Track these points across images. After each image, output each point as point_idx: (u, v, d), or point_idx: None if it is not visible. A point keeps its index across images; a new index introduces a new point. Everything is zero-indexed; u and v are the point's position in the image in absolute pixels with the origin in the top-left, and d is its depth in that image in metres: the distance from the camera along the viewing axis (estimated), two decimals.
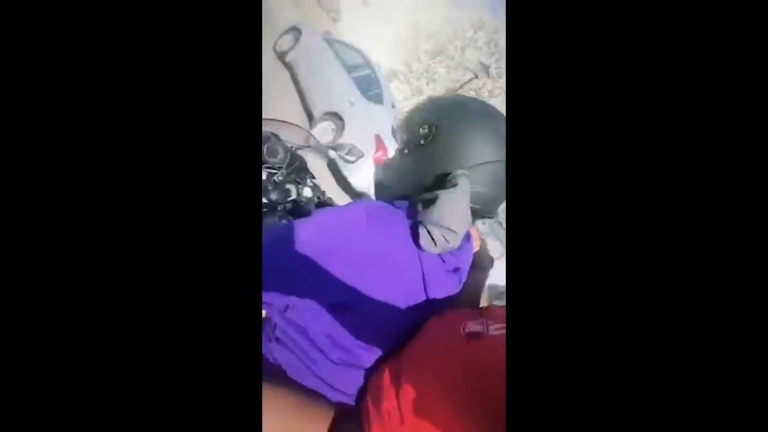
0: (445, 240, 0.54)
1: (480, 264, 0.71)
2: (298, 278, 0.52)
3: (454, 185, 0.57)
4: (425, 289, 0.57)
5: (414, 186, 0.63)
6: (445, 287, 0.60)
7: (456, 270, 0.61)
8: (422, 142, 0.62)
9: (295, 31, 4.92)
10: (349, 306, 0.54)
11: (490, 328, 0.53)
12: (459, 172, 0.59)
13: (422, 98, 0.75)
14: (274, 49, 4.62)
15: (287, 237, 0.54)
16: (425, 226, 0.54)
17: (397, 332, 0.58)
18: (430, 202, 0.56)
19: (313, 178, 1.06)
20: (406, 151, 0.65)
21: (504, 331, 0.51)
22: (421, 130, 0.62)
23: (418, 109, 0.69)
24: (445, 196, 0.56)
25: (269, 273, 0.51)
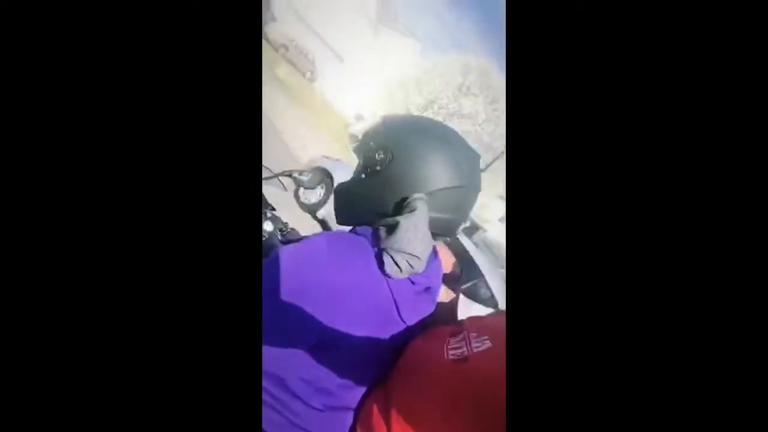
0: (410, 265, 0.54)
1: (451, 276, 0.73)
2: (267, 325, 0.48)
3: (413, 210, 0.56)
4: (399, 314, 0.56)
5: (374, 211, 0.61)
6: (418, 309, 0.59)
7: (427, 290, 0.60)
8: (378, 167, 0.60)
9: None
10: (325, 345, 0.53)
11: (473, 343, 0.52)
12: (416, 196, 0.58)
13: (377, 120, 0.68)
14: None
15: None
16: (388, 253, 0.54)
17: (379, 363, 0.58)
18: (391, 229, 0.56)
19: (273, 209, 1.02)
20: (363, 176, 0.63)
21: (488, 344, 0.51)
22: (377, 155, 0.60)
23: (373, 133, 0.66)
24: (404, 222, 0.55)
25: None
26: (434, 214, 0.58)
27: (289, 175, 0.95)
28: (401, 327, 0.57)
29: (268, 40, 11.65)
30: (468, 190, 0.61)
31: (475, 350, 0.50)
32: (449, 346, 0.52)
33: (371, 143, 0.62)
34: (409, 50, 15.43)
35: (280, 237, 0.95)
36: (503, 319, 0.60)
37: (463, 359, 0.49)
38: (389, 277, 0.53)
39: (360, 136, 0.69)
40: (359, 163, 0.64)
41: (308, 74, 13.01)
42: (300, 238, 1.01)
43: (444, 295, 0.70)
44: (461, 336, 0.53)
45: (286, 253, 0.53)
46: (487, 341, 0.51)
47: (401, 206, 0.57)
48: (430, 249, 0.57)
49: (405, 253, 0.53)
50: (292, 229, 1.01)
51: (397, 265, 0.52)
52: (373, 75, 13.24)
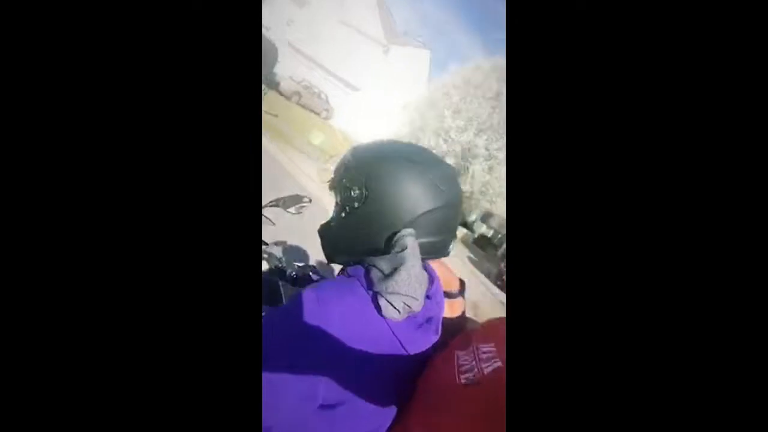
0: (407, 306, 0.52)
1: (450, 294, 0.69)
2: (273, 400, 0.48)
3: (403, 248, 0.55)
4: (405, 349, 0.54)
5: (362, 248, 0.60)
6: (422, 341, 0.57)
7: (429, 320, 0.58)
8: (356, 205, 0.59)
9: None
10: (340, 402, 0.51)
11: (483, 364, 0.51)
12: (404, 232, 0.56)
13: (345, 154, 0.66)
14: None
15: None
16: (384, 297, 0.52)
17: (395, 402, 0.56)
18: (384, 271, 0.54)
19: (265, 243, 1.02)
20: (343, 214, 0.62)
21: (498, 363, 0.50)
22: (352, 192, 0.60)
23: (344, 168, 0.63)
24: (396, 263, 0.53)
25: None
26: (423, 240, 0.57)
27: (276, 205, 0.97)
28: (407, 359, 0.55)
29: (280, 91, 11.43)
30: (449, 207, 0.60)
31: (485, 370, 0.50)
32: (460, 369, 0.52)
33: (344, 180, 0.61)
34: (424, 61, 14.61)
35: (281, 278, 0.93)
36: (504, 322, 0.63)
37: (476, 383, 0.49)
38: (387, 319, 0.51)
39: (332, 174, 0.66)
40: (336, 201, 0.63)
41: (324, 113, 12.73)
42: (297, 276, 1.02)
43: (449, 311, 0.68)
44: (470, 350, 0.54)
45: (270, 320, 0.51)
46: (497, 361, 0.50)
47: (390, 243, 0.57)
48: (426, 285, 0.56)
49: (401, 295, 0.51)
50: (287, 262, 0.99)
51: (394, 307, 0.51)
52: (391, 95, 12.68)
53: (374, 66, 12.96)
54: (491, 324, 0.64)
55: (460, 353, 0.54)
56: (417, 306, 0.53)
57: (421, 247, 0.56)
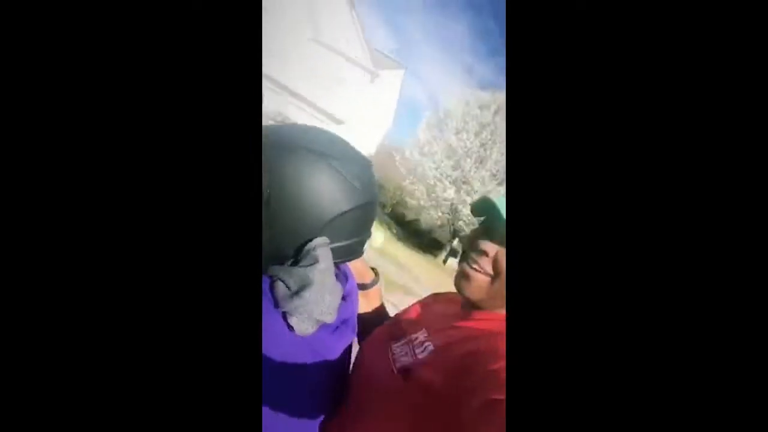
0: (320, 321, 0.48)
1: (364, 285, 0.67)
2: None
3: (314, 262, 0.48)
4: (323, 357, 0.49)
5: (265, 254, 0.50)
6: (340, 344, 0.52)
7: (344, 322, 0.53)
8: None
9: None
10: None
11: (416, 348, 0.51)
12: (316, 242, 0.49)
13: None
14: None
15: None
16: (294, 316, 0.46)
17: (324, 409, 0.52)
18: (291, 287, 0.47)
19: None
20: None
21: (430, 348, 0.50)
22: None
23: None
24: (305, 280, 0.47)
25: None
26: (337, 244, 0.50)
27: None
28: (327, 365, 0.50)
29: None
30: (366, 207, 0.52)
31: (419, 355, 0.49)
32: (394, 359, 0.51)
33: None
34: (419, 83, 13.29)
35: None
36: (433, 300, 0.66)
37: (409, 369, 0.48)
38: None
39: None
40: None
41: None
42: None
43: (365, 303, 0.67)
44: (405, 340, 0.53)
45: None
46: (429, 345, 0.50)
47: (299, 255, 0.49)
48: (340, 295, 0.50)
49: (311, 314, 0.46)
50: None
51: (305, 325, 0.46)
52: (381, 123, 11.29)
53: (363, 94, 11.40)
54: (422, 306, 0.64)
55: (395, 344, 0.53)
56: (330, 319, 0.48)
57: (335, 251, 0.50)
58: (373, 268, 0.70)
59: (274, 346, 0.45)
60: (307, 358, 0.48)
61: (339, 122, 11.18)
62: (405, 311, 0.65)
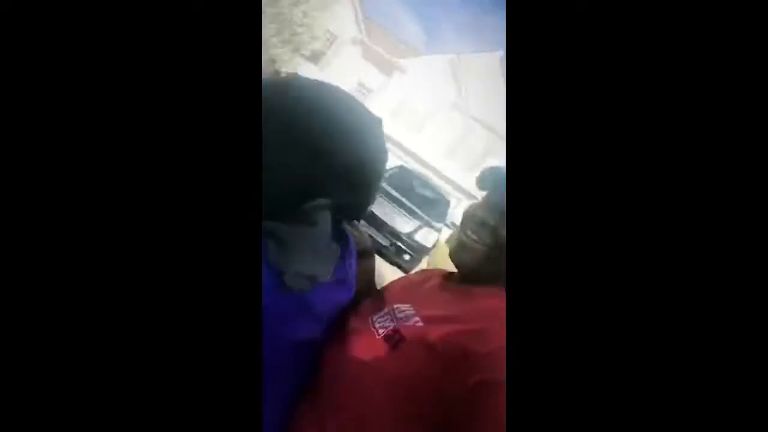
0: (313, 282, 0.46)
1: (363, 254, 0.62)
2: None
3: (313, 224, 0.46)
4: (313, 312, 0.47)
5: (270, 207, 0.47)
6: (333, 301, 0.50)
7: (342, 281, 0.51)
8: None
9: None
10: None
11: (401, 321, 0.47)
12: (318, 203, 0.46)
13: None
14: None
15: None
16: (288, 274, 0.44)
17: (301, 372, 0.49)
18: (283, 243, 0.45)
19: None
20: None
21: (419, 324, 0.46)
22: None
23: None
24: (300, 238, 0.46)
25: None
26: (336, 201, 0.47)
27: None
28: (319, 322, 0.48)
29: None
30: (373, 162, 0.49)
31: (405, 326, 0.46)
32: (376, 327, 0.48)
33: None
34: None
35: None
36: (423, 276, 0.61)
37: (396, 339, 0.45)
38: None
39: None
40: None
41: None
42: None
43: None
44: (385, 311, 0.50)
45: None
46: (418, 321, 0.46)
47: (296, 209, 0.46)
48: (337, 257, 0.49)
49: (305, 276, 0.45)
50: None
51: (299, 284, 0.44)
52: None
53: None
54: (408, 282, 0.61)
55: (375, 316, 0.49)
56: (326, 276, 0.47)
57: (336, 209, 0.48)
58: (369, 235, 0.68)
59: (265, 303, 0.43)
60: (301, 315, 0.46)
61: None
62: (389, 285, 0.62)
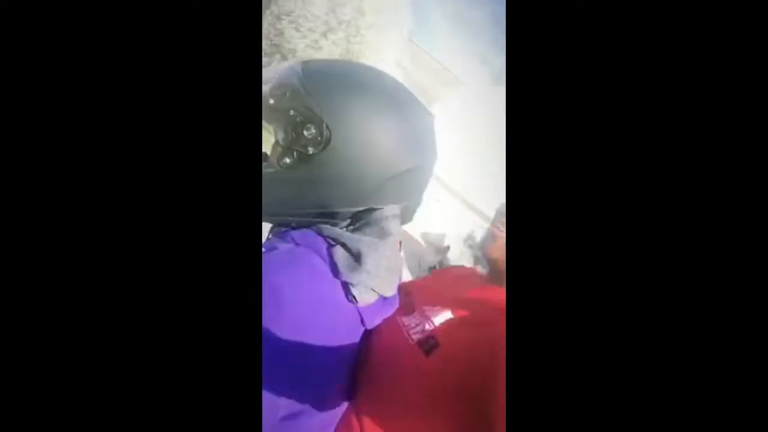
0: (381, 294, 0.44)
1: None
2: None
3: (386, 235, 0.44)
4: (363, 324, 0.45)
5: (314, 208, 0.44)
6: (381, 314, 0.48)
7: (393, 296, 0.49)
8: (311, 150, 0.42)
9: None
10: (302, 412, 0.41)
11: (430, 318, 0.47)
12: (389, 212, 0.44)
13: (291, 67, 0.45)
14: None
15: None
16: (357, 288, 0.42)
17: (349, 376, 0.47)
18: (355, 256, 0.43)
19: None
20: (287, 161, 0.44)
21: (448, 316, 0.46)
22: (306, 132, 0.42)
23: (291, 93, 0.43)
24: (372, 249, 0.43)
25: None
26: (399, 204, 0.46)
27: None
28: (362, 335, 0.46)
29: None
30: (425, 168, 0.46)
31: (436, 323, 0.45)
32: (408, 330, 0.47)
33: (292, 112, 0.42)
34: None
35: None
36: (446, 272, 0.66)
37: (431, 339, 0.44)
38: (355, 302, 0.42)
39: (271, 100, 0.44)
40: (278, 142, 0.44)
41: None
42: None
43: None
44: (415, 314, 0.49)
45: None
46: (447, 313, 0.46)
47: (364, 218, 0.44)
48: (401, 271, 0.47)
49: (376, 289, 0.43)
50: None
51: (368, 294, 0.43)
52: None
53: None
54: (425, 284, 0.61)
55: (405, 319, 0.49)
56: (390, 293, 0.45)
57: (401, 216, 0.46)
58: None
59: (315, 316, 0.41)
60: (349, 327, 0.44)
61: None
62: (412, 283, 0.61)
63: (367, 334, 0.47)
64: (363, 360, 0.48)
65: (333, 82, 0.42)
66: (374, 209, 0.44)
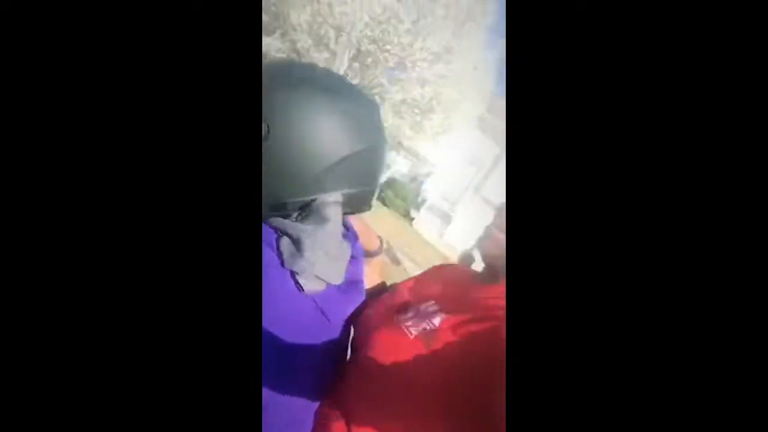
0: (327, 282, 0.45)
1: (369, 253, 0.62)
2: None
3: (325, 221, 0.45)
4: (328, 319, 0.46)
5: (265, 198, 0.46)
6: (347, 305, 0.50)
7: (354, 282, 0.51)
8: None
9: None
10: (271, 402, 0.42)
11: (429, 316, 0.46)
12: (328, 198, 0.46)
13: None
14: None
15: None
16: (302, 276, 0.44)
17: (319, 375, 0.48)
18: (297, 244, 0.44)
19: None
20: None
21: (444, 316, 0.46)
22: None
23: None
24: (313, 238, 0.44)
25: None
26: (343, 191, 0.47)
27: None
28: (332, 327, 0.47)
29: None
30: (373, 151, 0.49)
31: (436, 323, 0.45)
32: (407, 326, 0.46)
33: None
34: None
35: None
36: (437, 271, 0.62)
37: (433, 338, 0.44)
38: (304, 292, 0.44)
39: None
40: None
41: None
42: None
43: (368, 272, 0.60)
44: (411, 311, 0.48)
45: None
46: (443, 314, 0.46)
47: (306, 209, 0.46)
48: (348, 256, 0.48)
49: (320, 276, 0.44)
50: None
51: (313, 282, 0.44)
52: None
53: None
54: (419, 281, 0.59)
55: (401, 316, 0.48)
56: (338, 280, 0.45)
57: (344, 203, 0.47)
58: (379, 237, 0.67)
59: (277, 302, 0.42)
60: (312, 318, 0.45)
61: None
62: (404, 283, 0.60)
63: (357, 332, 0.49)
64: (353, 358, 0.49)
65: (269, 80, 0.44)
66: (315, 198, 0.46)
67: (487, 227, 0.52)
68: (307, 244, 0.44)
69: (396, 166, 9.98)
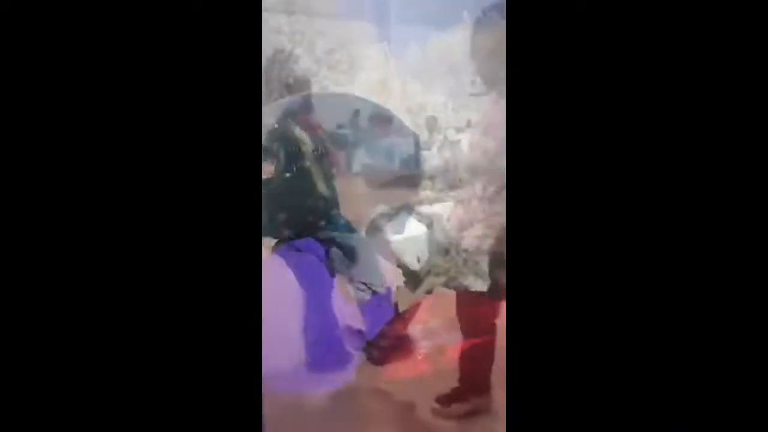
0: (374, 291, 0.51)
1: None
2: None
3: (377, 231, 0.50)
4: (364, 333, 0.53)
5: (311, 215, 0.52)
6: (381, 319, 0.55)
7: (387, 296, 0.55)
8: (308, 163, 0.51)
9: None
10: None
11: (434, 333, 0.53)
12: (381, 211, 0.50)
13: (294, 100, 0.55)
14: None
15: None
16: (353, 284, 0.51)
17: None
18: (350, 254, 0.50)
19: None
20: (287, 174, 0.54)
21: (451, 334, 0.52)
22: (302, 146, 0.51)
23: (289, 116, 0.52)
24: (365, 247, 0.49)
25: None
26: (391, 213, 0.50)
27: None
28: (362, 340, 0.53)
29: None
30: (411, 178, 0.52)
31: (437, 342, 0.53)
32: (415, 343, 0.55)
33: (291, 131, 0.50)
34: None
35: None
36: (443, 293, 0.62)
37: (434, 356, 0.50)
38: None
39: (276, 125, 0.52)
40: (277, 155, 0.50)
41: None
42: None
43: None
44: (419, 329, 0.56)
45: None
46: (450, 333, 0.52)
47: (360, 222, 0.49)
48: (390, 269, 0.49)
49: (370, 284, 0.48)
50: None
51: (362, 291, 0.49)
52: None
53: None
54: (433, 299, 0.63)
55: (409, 334, 0.55)
56: (382, 290, 0.51)
57: (383, 218, 0.49)
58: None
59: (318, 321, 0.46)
60: (351, 335, 0.51)
61: None
62: (415, 301, 0.64)
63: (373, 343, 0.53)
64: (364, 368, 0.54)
65: (330, 106, 0.46)
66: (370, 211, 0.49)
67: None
68: (356, 250, 0.48)
69: None
